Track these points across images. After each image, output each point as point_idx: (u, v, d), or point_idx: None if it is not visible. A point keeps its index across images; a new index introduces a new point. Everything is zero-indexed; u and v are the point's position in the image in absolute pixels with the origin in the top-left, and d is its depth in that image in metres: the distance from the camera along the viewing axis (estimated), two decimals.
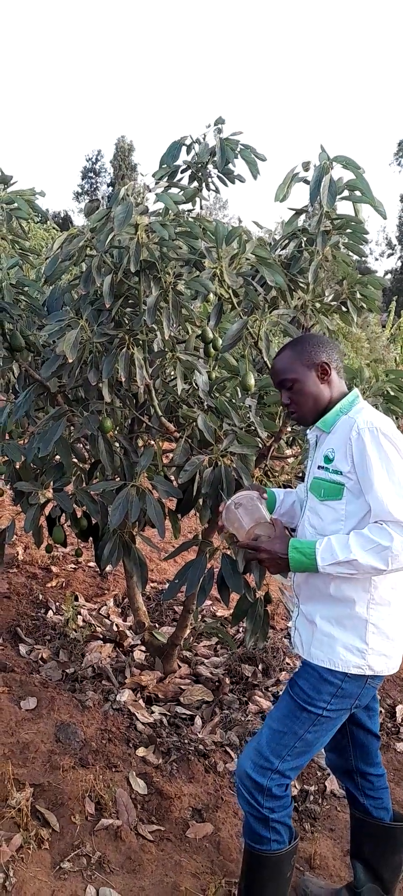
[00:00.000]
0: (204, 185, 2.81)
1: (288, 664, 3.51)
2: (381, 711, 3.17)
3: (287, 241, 2.61)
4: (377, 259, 39.85)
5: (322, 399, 1.87)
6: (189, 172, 2.80)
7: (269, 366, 2.41)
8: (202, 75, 76.46)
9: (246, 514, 1.88)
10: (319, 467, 1.85)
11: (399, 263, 38.28)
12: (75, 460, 2.79)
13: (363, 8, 71.31)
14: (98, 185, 44.61)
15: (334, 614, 1.80)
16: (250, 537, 1.85)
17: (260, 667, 3.44)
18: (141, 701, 3.10)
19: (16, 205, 2.74)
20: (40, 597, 4.12)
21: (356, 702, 1.84)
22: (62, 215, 37.28)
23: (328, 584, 1.79)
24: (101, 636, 3.68)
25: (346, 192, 2.39)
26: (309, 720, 1.81)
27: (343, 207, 2.49)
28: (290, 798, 1.90)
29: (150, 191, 2.46)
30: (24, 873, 2.09)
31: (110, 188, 41.94)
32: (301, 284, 2.58)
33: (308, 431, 1.99)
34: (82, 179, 45.12)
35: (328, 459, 1.82)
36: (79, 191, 44.88)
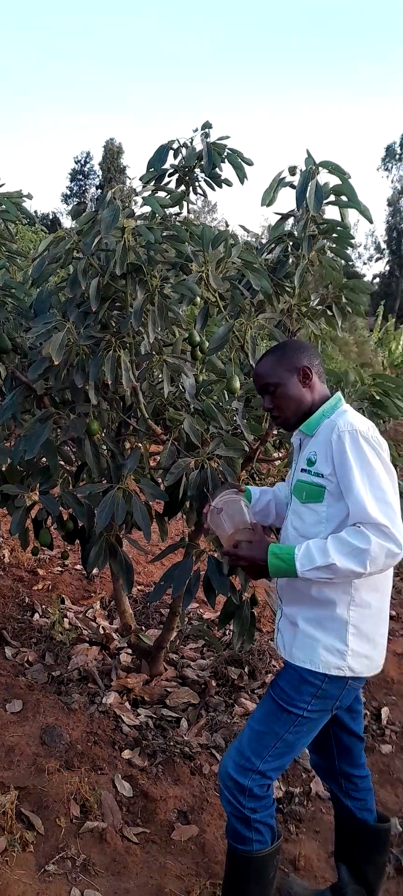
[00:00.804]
0: (191, 188, 2.82)
1: (274, 666, 3.52)
2: (366, 714, 3.19)
3: (273, 246, 2.63)
4: (365, 263, 40.11)
5: (304, 403, 1.89)
6: (176, 176, 2.81)
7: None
8: (190, 79, 76.66)
9: (228, 519, 1.90)
10: (302, 470, 1.87)
11: (388, 267, 38.54)
12: (62, 463, 2.79)
13: (351, 14, 71.81)
14: (87, 187, 44.52)
15: (315, 616, 1.81)
16: (231, 543, 1.87)
17: (246, 669, 3.45)
18: (127, 703, 3.09)
19: (3, 207, 2.73)
20: (26, 599, 4.10)
21: (337, 703, 1.86)
22: (51, 217, 37.16)
23: (309, 586, 1.80)
24: (88, 639, 3.67)
25: (332, 197, 2.42)
26: (289, 721, 1.82)
27: (331, 212, 2.52)
28: (272, 798, 1.91)
29: (137, 194, 2.46)
30: (9, 876, 2.09)
31: (99, 190, 41.83)
32: (287, 288, 2.60)
33: (293, 437, 2.00)
34: (71, 181, 45.00)
35: (310, 462, 1.84)
36: (68, 193, 44.75)
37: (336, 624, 1.79)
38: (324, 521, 1.79)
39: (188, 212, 2.87)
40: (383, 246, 39.68)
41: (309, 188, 2.29)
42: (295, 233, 2.57)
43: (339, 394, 1.93)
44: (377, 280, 37.09)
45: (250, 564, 1.84)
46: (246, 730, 1.90)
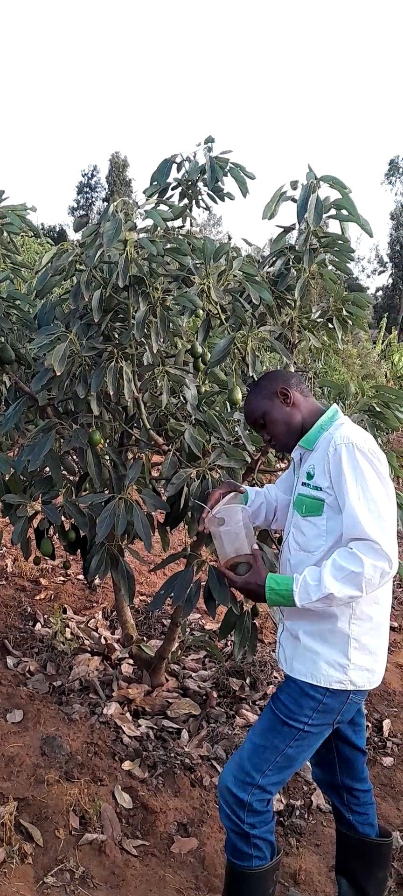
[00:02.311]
0: (194, 202, 2.85)
1: (275, 678, 3.51)
2: (368, 726, 3.17)
3: (274, 259, 2.65)
4: (369, 276, 40.19)
5: (294, 421, 1.93)
6: (179, 190, 2.84)
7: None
8: (194, 94, 77.19)
9: (228, 540, 1.89)
10: (302, 484, 1.88)
11: (391, 280, 38.60)
12: (64, 473, 2.80)
13: (355, 28, 72.33)
14: (93, 200, 44.82)
15: (317, 629, 1.81)
16: (228, 566, 1.88)
17: (247, 680, 3.44)
18: (128, 714, 3.09)
19: (7, 220, 2.76)
20: (29, 609, 4.10)
21: (338, 717, 1.85)
22: (57, 230, 37.39)
23: None
24: (89, 649, 3.67)
25: (333, 211, 2.44)
26: (290, 735, 1.82)
27: (334, 225, 2.53)
28: (272, 813, 1.90)
29: (139, 207, 2.48)
30: (7, 888, 2.08)
31: (105, 203, 42.02)
32: (288, 301, 2.62)
33: (293, 451, 2.01)
34: (78, 194, 45.32)
35: (309, 476, 1.85)
36: (75, 206, 45.04)
37: (337, 637, 1.79)
38: (324, 534, 1.80)
39: (192, 225, 2.89)
40: (386, 259, 39.74)
41: (309, 202, 2.31)
42: (297, 246, 2.59)
43: (335, 406, 1.94)
44: (380, 293, 37.15)
45: (245, 592, 1.87)
46: (246, 744, 1.89)
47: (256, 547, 1.91)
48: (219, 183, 2.71)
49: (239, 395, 2.50)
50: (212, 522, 1.93)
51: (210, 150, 2.74)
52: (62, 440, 2.70)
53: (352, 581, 1.66)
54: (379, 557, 1.65)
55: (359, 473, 1.72)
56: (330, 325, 2.67)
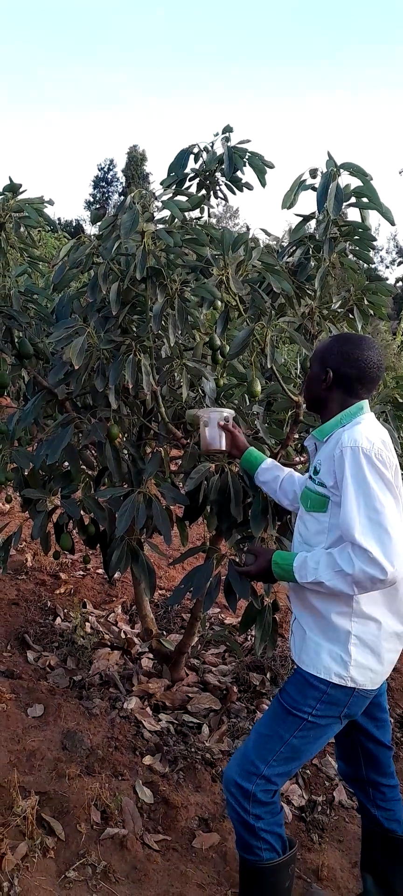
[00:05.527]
0: (212, 192, 2.82)
1: None
2: (391, 721, 3.13)
3: (294, 248, 2.61)
4: (387, 267, 39.74)
5: (317, 400, 1.93)
6: (197, 181, 2.81)
7: (275, 372, 2.41)
8: (212, 85, 76.82)
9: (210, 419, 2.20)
10: (309, 477, 1.88)
11: None
12: (83, 467, 2.80)
13: (374, 15, 71.42)
14: (110, 194, 44.83)
15: (320, 623, 1.81)
16: (211, 447, 2.24)
17: (268, 675, 3.42)
18: (148, 709, 3.08)
19: (25, 213, 2.76)
20: (49, 603, 4.12)
21: (345, 710, 1.82)
22: (74, 224, 37.48)
23: (310, 596, 1.81)
24: (109, 643, 3.68)
25: (354, 199, 2.39)
26: (294, 724, 1.81)
27: (354, 214, 2.49)
28: (279, 806, 1.88)
29: (156, 198, 2.46)
30: (29, 882, 2.09)
31: (122, 197, 42.02)
32: (308, 291, 2.58)
33: (306, 440, 1.99)
34: (94, 189, 45.36)
35: (316, 471, 1.84)
36: (91, 200, 45.10)
37: (339, 634, 1.78)
38: (326, 530, 1.80)
39: (209, 216, 2.86)
40: None
41: (329, 190, 2.27)
42: (316, 235, 2.55)
43: (362, 403, 1.87)
44: (399, 284, 36.66)
45: (259, 575, 1.93)
46: (251, 734, 1.90)
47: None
48: (238, 173, 2.67)
49: (258, 388, 2.47)
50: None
51: (228, 139, 2.71)
52: (81, 434, 2.69)
53: (343, 578, 1.69)
54: (371, 565, 1.64)
55: (361, 479, 1.69)
56: (351, 316, 2.62)
